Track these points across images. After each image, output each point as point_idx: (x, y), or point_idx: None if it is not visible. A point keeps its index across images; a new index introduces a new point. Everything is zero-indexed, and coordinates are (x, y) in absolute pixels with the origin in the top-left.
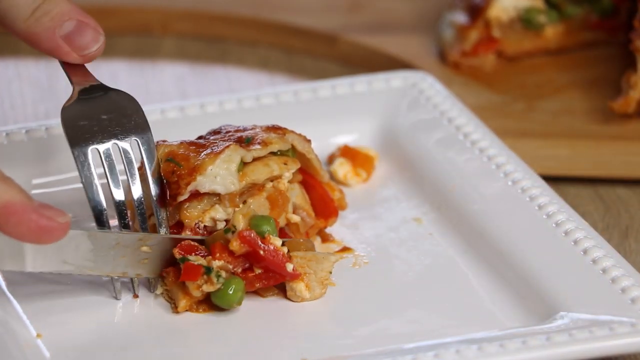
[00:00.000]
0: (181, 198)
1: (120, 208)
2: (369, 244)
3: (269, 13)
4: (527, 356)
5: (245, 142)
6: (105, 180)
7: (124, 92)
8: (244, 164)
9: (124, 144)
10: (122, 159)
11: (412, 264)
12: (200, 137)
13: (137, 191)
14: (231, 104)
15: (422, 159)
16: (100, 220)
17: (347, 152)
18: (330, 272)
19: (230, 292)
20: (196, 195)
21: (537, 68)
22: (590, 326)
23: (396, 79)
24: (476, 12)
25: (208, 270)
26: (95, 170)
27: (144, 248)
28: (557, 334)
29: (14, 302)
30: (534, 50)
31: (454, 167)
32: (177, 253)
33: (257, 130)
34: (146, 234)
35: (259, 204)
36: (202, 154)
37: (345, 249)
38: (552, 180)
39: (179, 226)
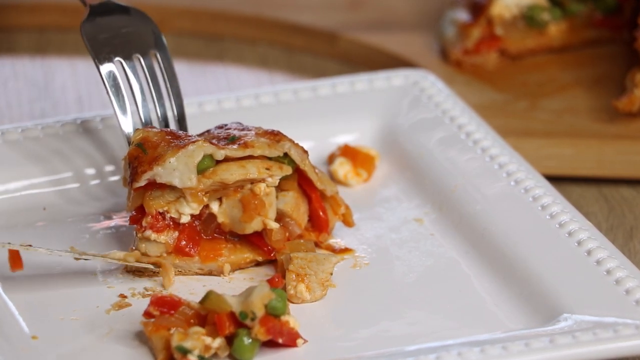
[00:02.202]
0: (137, 185)
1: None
2: (369, 244)
3: (269, 11)
4: (530, 358)
5: (229, 140)
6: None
7: (136, 8)
8: (216, 162)
9: (146, 59)
10: (146, 75)
11: (413, 265)
12: (206, 131)
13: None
14: (230, 103)
15: (424, 158)
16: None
17: (348, 152)
18: (331, 274)
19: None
20: (161, 185)
21: (540, 66)
22: (594, 328)
23: (397, 78)
24: (478, 10)
25: None
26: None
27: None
28: (560, 336)
29: (10, 304)
30: (537, 48)
31: (455, 167)
32: (153, 310)
33: (252, 131)
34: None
35: (231, 205)
36: (171, 145)
37: (345, 250)
38: (555, 180)
39: (141, 211)
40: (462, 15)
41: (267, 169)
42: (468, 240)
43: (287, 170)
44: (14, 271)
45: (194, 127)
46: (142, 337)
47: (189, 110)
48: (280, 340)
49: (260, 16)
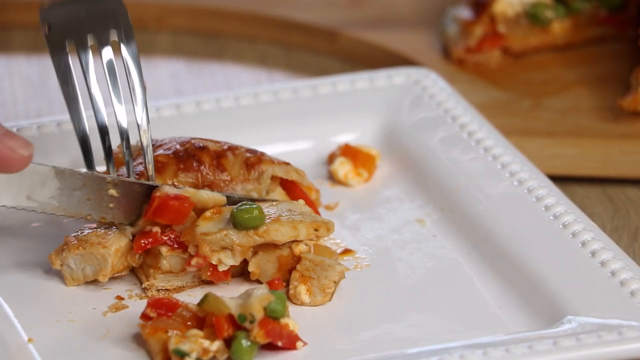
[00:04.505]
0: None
1: (103, 129)
2: (370, 245)
3: (268, 8)
4: None
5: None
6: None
7: None
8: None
9: (107, 52)
10: (104, 69)
11: (415, 267)
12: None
13: (120, 109)
14: (228, 102)
15: (425, 158)
16: (85, 145)
17: (348, 151)
18: (335, 282)
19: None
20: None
21: (543, 65)
22: (599, 330)
23: (398, 76)
24: (481, 7)
25: None
26: (77, 84)
27: (111, 191)
28: (564, 339)
29: (6, 306)
30: (541, 46)
31: (458, 167)
32: (151, 312)
33: (232, 159)
34: (115, 178)
35: (267, 259)
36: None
37: (346, 251)
38: (559, 180)
39: (183, 246)
40: (465, 12)
41: (316, 230)
42: (470, 241)
43: (332, 229)
44: None
45: (193, 127)
46: (139, 340)
47: (186, 110)
48: (279, 343)
49: (260, 13)
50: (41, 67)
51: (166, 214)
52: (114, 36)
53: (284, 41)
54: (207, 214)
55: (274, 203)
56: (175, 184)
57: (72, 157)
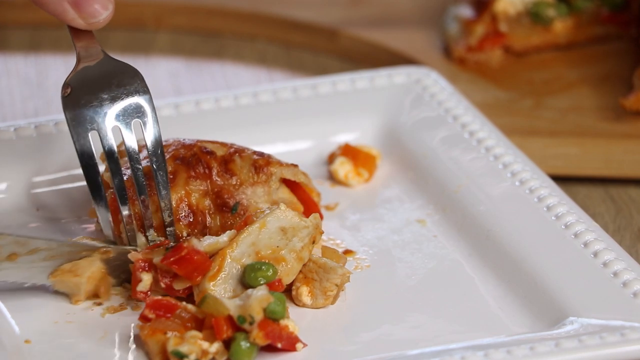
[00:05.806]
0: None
1: (122, 189)
2: (370, 246)
3: (268, 7)
4: None
5: (232, 209)
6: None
7: (128, 64)
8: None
9: (126, 124)
10: (122, 136)
11: (416, 267)
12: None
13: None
14: (228, 101)
15: (426, 158)
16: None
17: (348, 151)
18: (337, 285)
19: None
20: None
21: (545, 64)
22: (601, 332)
23: (399, 75)
24: (482, 6)
25: None
26: (95, 153)
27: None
28: (566, 340)
29: (3, 307)
30: (543, 45)
31: (459, 167)
32: (150, 313)
33: (242, 163)
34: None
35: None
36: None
37: (346, 252)
38: (561, 180)
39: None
40: (466, 11)
41: (313, 242)
42: (472, 241)
43: (320, 224)
44: None
45: (192, 127)
46: (138, 341)
47: (185, 109)
48: (279, 345)
49: (259, 12)
50: (39, 66)
51: (187, 266)
52: (133, 109)
53: (284, 40)
54: (213, 271)
55: (262, 226)
56: (200, 238)
57: (69, 157)
